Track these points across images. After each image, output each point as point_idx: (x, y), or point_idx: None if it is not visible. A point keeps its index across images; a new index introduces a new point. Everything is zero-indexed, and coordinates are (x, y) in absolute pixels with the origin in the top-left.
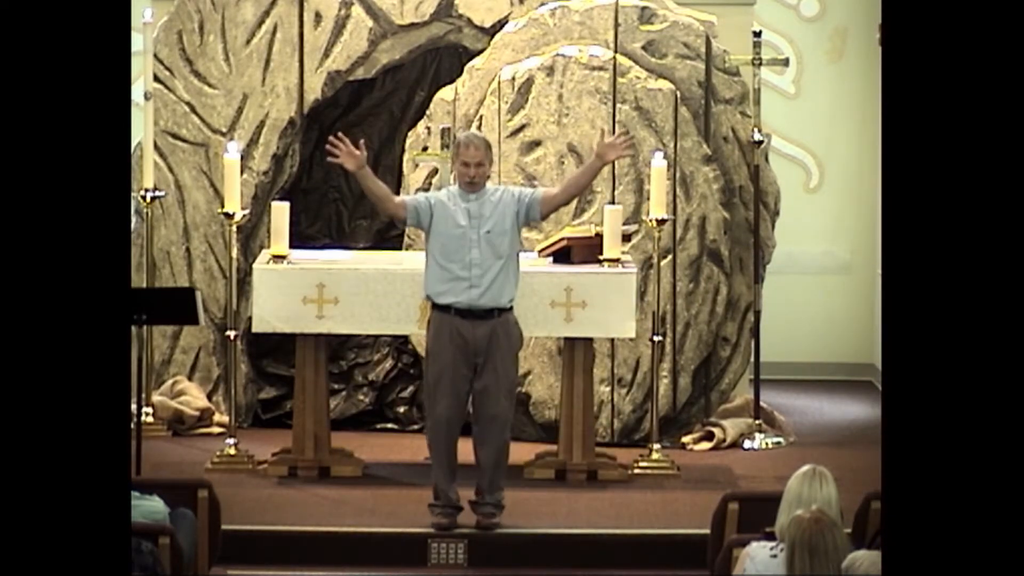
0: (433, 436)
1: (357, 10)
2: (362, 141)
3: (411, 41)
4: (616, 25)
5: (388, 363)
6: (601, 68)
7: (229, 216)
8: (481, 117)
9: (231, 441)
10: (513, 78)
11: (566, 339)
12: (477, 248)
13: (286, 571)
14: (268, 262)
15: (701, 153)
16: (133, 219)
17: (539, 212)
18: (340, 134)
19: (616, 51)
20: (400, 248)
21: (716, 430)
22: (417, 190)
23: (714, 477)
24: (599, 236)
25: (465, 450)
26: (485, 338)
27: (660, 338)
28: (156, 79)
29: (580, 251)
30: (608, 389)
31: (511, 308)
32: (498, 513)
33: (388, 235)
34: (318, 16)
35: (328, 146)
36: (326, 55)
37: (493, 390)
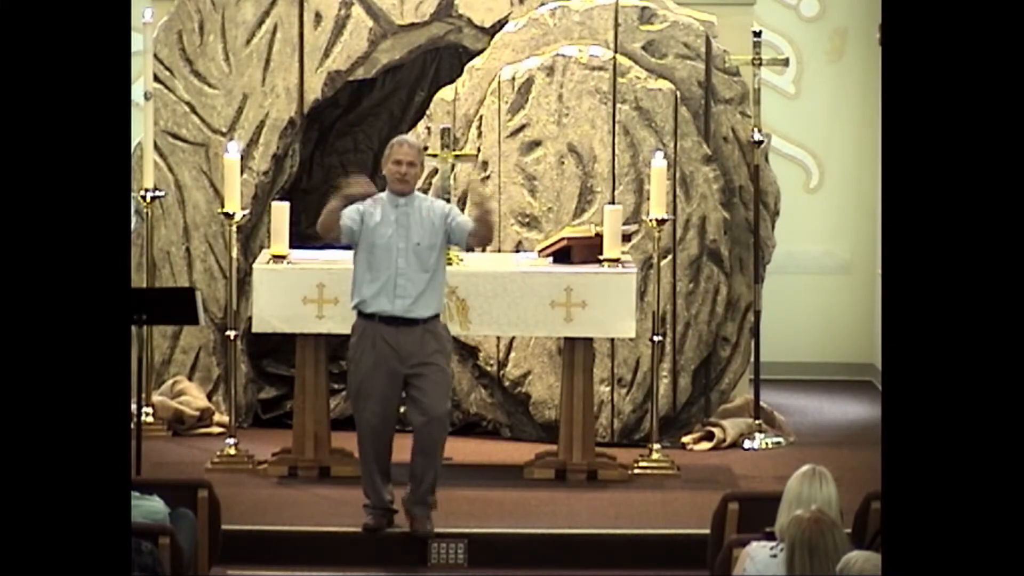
0: (361, 442)
1: (357, 10)
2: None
3: (411, 41)
4: (616, 25)
5: None
6: (601, 68)
7: (229, 216)
8: (481, 117)
9: (231, 441)
10: (513, 78)
11: (566, 339)
12: (403, 258)
13: (286, 571)
14: (268, 262)
15: (701, 153)
16: (133, 219)
17: (463, 242)
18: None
19: (616, 51)
20: None
21: (716, 430)
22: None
23: (714, 477)
24: (599, 236)
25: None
26: (413, 344)
27: (660, 338)
28: (156, 79)
29: (580, 251)
30: (608, 389)
31: (437, 316)
32: (428, 515)
33: None
34: (318, 16)
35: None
36: (326, 55)
37: (431, 393)
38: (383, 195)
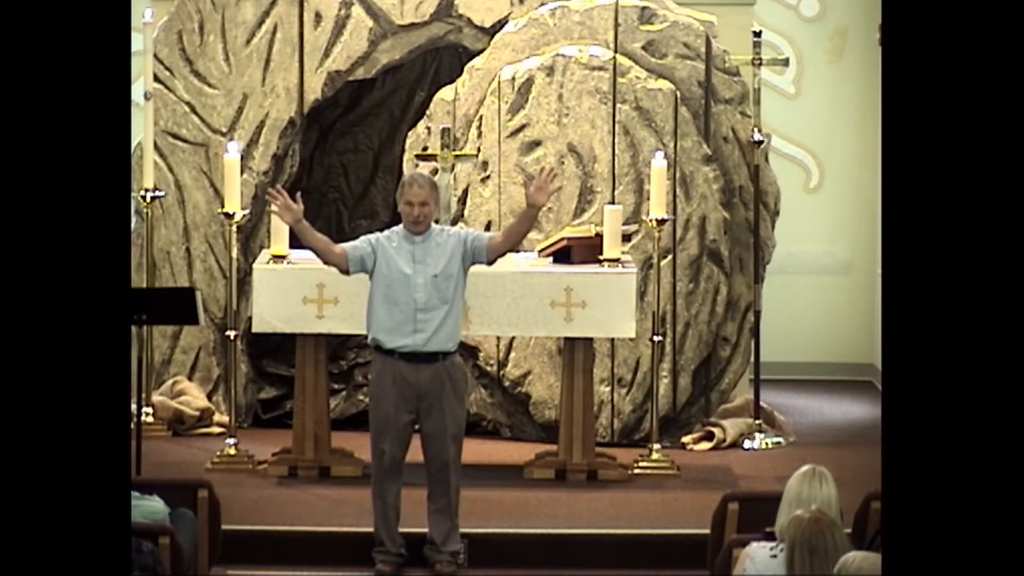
0: (378, 481)
1: (357, 10)
2: (299, 194)
3: (411, 41)
4: (616, 25)
5: None
6: (601, 68)
7: (229, 216)
8: (481, 117)
9: (231, 441)
10: (513, 78)
11: (566, 339)
12: (423, 292)
13: (286, 571)
14: (268, 262)
15: (701, 153)
16: (133, 219)
17: (485, 258)
18: (279, 187)
19: (616, 51)
20: None
21: (716, 430)
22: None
23: (714, 477)
24: (599, 236)
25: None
26: (429, 381)
27: (660, 338)
28: (156, 79)
29: (580, 251)
30: (608, 389)
31: (456, 351)
32: (455, 562)
33: None
34: (318, 16)
35: (267, 195)
36: (326, 55)
37: (440, 435)
38: (398, 229)
